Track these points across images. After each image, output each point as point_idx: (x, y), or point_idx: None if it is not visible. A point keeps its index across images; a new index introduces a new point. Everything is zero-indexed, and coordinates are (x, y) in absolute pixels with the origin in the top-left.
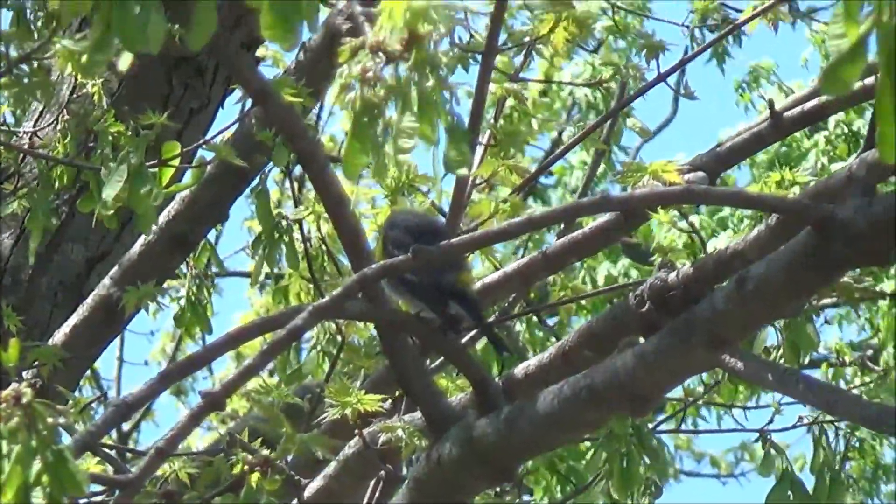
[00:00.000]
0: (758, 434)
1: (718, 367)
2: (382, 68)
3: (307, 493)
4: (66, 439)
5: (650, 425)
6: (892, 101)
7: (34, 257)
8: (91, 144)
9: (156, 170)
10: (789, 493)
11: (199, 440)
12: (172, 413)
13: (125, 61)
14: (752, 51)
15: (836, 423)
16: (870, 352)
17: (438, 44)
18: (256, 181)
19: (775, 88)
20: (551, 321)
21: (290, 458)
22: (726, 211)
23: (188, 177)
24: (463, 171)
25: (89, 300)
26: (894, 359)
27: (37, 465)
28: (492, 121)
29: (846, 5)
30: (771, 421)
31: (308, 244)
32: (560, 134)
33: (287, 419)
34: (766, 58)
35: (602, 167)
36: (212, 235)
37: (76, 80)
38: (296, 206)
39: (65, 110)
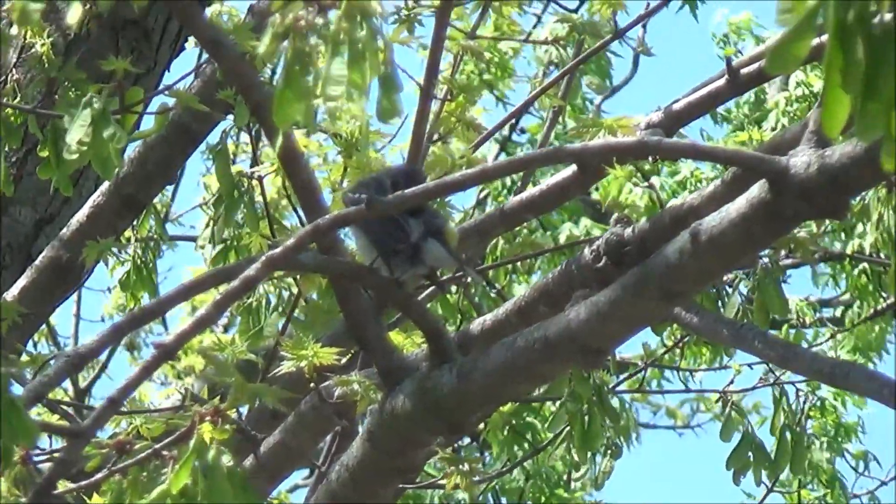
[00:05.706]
0: (719, 395)
1: (672, 321)
2: (315, 17)
3: (263, 447)
4: (18, 391)
5: (611, 385)
6: (839, 77)
7: None
8: (47, 97)
9: (118, 117)
10: (750, 454)
11: (159, 398)
12: (127, 370)
13: (73, 14)
14: (731, 4)
15: (796, 384)
16: (840, 308)
17: None
18: (217, 140)
19: (753, 43)
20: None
21: (246, 414)
22: (685, 171)
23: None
24: (394, 120)
25: (38, 262)
26: (857, 317)
27: None
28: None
29: None
30: (731, 382)
31: (266, 203)
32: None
33: (242, 375)
34: (745, 12)
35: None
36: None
37: (24, 40)
38: (252, 164)
39: (13, 70)
